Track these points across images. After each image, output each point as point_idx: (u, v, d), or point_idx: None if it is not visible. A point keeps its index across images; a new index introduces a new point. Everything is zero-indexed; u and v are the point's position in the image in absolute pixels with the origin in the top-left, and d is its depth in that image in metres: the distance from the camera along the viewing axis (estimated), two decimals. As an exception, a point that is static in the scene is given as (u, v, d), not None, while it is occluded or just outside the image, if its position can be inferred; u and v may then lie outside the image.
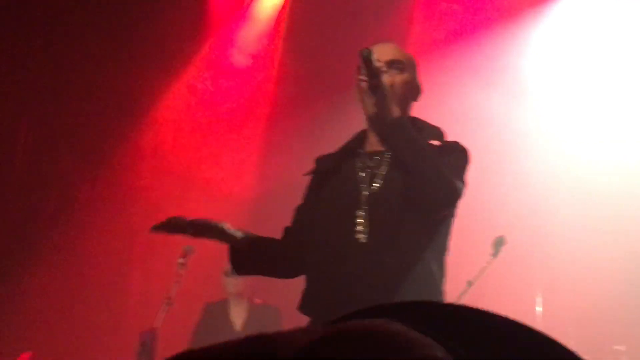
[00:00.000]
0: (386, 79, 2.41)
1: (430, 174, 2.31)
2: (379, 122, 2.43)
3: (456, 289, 4.42)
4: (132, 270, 6.65)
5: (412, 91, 2.59)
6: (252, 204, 6.21)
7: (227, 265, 2.81)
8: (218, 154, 6.69)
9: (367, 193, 2.42)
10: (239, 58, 6.91)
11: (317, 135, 5.82)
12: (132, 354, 4.46)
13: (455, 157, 2.48)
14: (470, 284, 4.43)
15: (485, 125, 6.41)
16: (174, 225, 2.61)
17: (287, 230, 2.67)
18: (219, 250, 5.64)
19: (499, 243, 4.52)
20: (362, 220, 2.37)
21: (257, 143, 6.77)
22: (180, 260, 4.62)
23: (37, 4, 6.49)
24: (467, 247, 5.82)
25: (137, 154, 6.73)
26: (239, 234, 2.61)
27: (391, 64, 2.48)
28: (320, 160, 2.67)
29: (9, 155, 6.52)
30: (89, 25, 6.55)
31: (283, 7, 6.88)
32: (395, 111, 2.38)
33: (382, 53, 2.47)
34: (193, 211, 6.42)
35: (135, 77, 6.56)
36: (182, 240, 5.46)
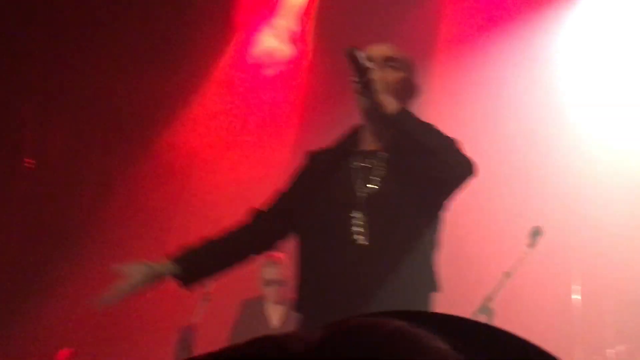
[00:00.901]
0: (378, 74, 2.41)
1: (448, 149, 2.34)
2: (379, 115, 2.41)
3: (493, 280, 4.39)
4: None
5: (408, 90, 2.57)
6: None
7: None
8: (250, 154, 6.69)
9: (364, 194, 2.41)
10: (268, 55, 6.91)
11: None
12: (171, 350, 4.49)
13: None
14: (507, 275, 4.39)
15: (520, 115, 6.37)
16: (118, 296, 2.67)
17: (260, 215, 2.62)
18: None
19: (535, 233, 4.47)
20: (361, 222, 2.36)
21: (290, 142, 6.76)
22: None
23: (69, 4, 6.56)
24: (503, 238, 5.80)
25: (170, 152, 6.77)
26: (178, 262, 2.60)
27: (386, 60, 2.49)
28: (314, 156, 2.64)
29: (42, 156, 6.60)
30: (115, 23, 6.60)
31: (311, 2, 6.86)
32: (393, 102, 2.39)
33: (376, 51, 2.49)
34: (223, 211, 6.50)
35: (166, 78, 6.59)
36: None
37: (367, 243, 2.33)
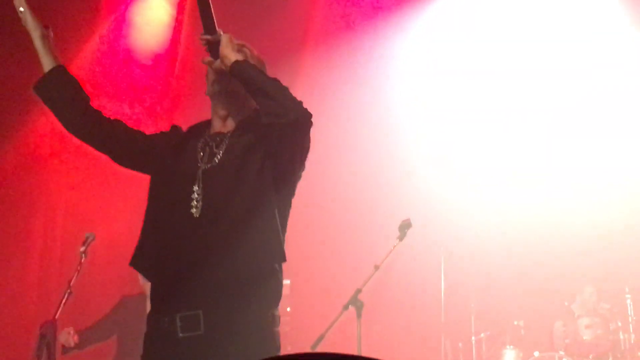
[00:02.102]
0: (225, 38, 2.53)
1: (285, 95, 2.46)
2: (225, 67, 2.51)
3: (364, 273, 4.45)
4: (30, 259, 6.42)
5: None
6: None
7: None
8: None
9: (204, 170, 2.53)
10: (139, 41, 6.72)
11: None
12: (32, 346, 4.31)
13: None
14: (377, 268, 4.45)
15: (384, 110, 6.50)
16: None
17: (117, 121, 2.71)
18: (121, 237, 5.51)
19: (405, 226, 4.56)
20: (197, 196, 2.49)
21: (163, 126, 6.62)
22: (82, 249, 4.48)
23: None
24: (374, 231, 5.89)
25: (34, 137, 6.48)
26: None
27: (239, 46, 2.60)
28: (175, 127, 2.76)
29: None
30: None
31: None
32: (235, 54, 2.51)
33: (234, 37, 2.58)
34: (91, 196, 6.29)
35: (28, 62, 6.26)
36: (83, 228, 5.31)
37: (198, 216, 2.46)
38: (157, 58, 6.77)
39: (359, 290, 4.35)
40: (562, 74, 6.44)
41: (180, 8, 6.76)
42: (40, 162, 6.51)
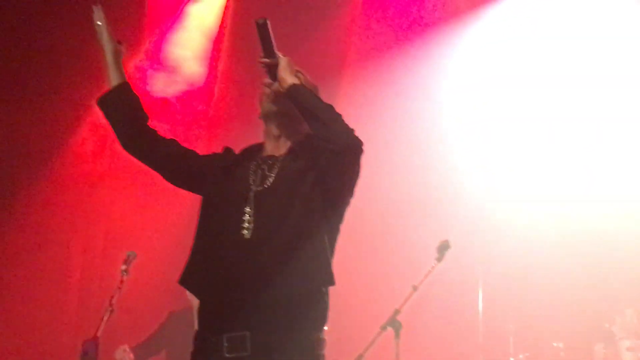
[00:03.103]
0: (284, 60, 2.58)
1: (337, 122, 2.49)
2: (282, 89, 2.55)
3: (402, 294, 4.44)
4: (71, 277, 6.50)
5: None
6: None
7: None
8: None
9: (256, 191, 2.56)
10: (178, 59, 6.80)
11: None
12: (75, 363, 4.36)
13: None
14: (415, 288, 4.45)
15: (425, 129, 6.49)
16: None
17: (174, 141, 2.77)
18: (162, 256, 5.57)
19: (443, 247, 4.55)
20: (249, 217, 2.51)
21: (200, 149, 6.67)
22: (123, 267, 4.55)
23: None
24: (413, 252, 5.88)
25: (77, 155, 6.58)
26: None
27: (297, 72, 2.64)
28: (227, 149, 2.81)
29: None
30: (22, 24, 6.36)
31: (226, 8, 6.84)
32: (293, 78, 2.56)
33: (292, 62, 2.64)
34: (132, 214, 6.36)
35: (71, 80, 6.38)
36: (123, 246, 5.37)
37: (249, 237, 2.48)
38: (196, 83, 6.84)
39: (397, 311, 4.35)
40: (623, 86, 6.32)
41: (219, 37, 6.84)
42: (81, 180, 6.61)
